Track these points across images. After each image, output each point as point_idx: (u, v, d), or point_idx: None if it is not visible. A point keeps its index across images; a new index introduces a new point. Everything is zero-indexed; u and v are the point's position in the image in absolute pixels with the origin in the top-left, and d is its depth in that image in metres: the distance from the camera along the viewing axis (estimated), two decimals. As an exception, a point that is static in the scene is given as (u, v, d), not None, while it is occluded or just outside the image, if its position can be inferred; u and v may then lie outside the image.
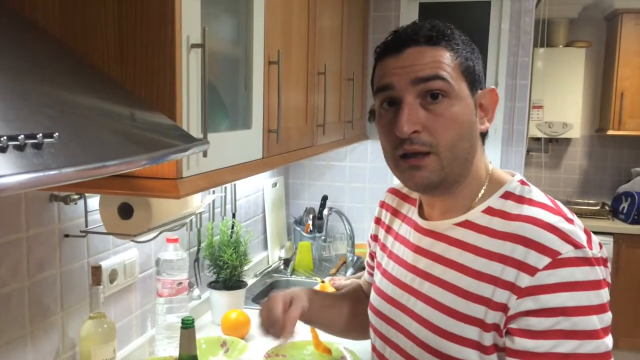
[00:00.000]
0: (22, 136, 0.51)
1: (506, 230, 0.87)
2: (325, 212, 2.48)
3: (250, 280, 2.32)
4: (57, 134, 0.55)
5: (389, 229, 1.11)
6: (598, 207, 4.05)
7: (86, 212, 1.38)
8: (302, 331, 1.51)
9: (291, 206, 2.98)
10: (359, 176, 2.91)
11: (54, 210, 1.31)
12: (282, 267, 2.61)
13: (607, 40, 4.15)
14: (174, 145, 0.79)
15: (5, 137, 0.51)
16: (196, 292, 1.92)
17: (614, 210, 4.00)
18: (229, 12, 1.34)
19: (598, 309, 0.80)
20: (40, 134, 0.53)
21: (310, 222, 2.79)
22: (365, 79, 2.78)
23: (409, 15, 2.81)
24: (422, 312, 0.94)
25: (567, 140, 4.29)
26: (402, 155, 0.90)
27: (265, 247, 2.66)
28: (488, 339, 0.84)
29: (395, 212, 1.12)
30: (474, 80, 0.92)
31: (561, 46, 4.08)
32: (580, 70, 4.02)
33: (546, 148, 4.25)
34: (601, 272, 0.82)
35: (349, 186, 2.93)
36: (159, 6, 1.01)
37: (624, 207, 3.90)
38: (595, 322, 0.80)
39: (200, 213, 1.85)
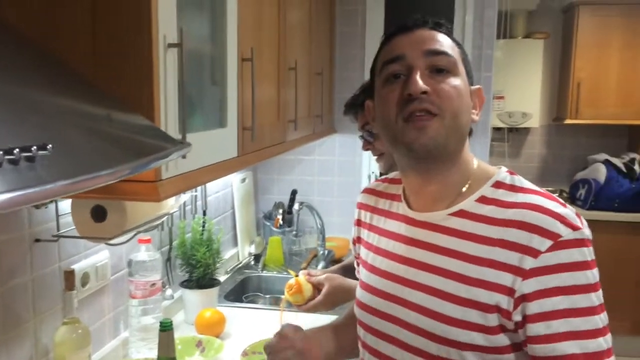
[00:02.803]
0: (17, 150, 0.49)
1: (505, 217, 0.90)
2: (296, 206, 2.48)
3: (221, 278, 2.30)
4: (50, 145, 0.53)
5: (371, 227, 1.12)
6: (556, 195, 4.17)
7: (57, 215, 1.34)
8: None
9: (260, 201, 2.97)
10: (328, 170, 2.92)
11: (24, 215, 1.27)
12: (252, 262, 2.60)
13: (564, 32, 4.25)
14: (163, 148, 0.78)
15: (1, 152, 0.49)
16: (169, 292, 1.90)
17: (571, 197, 4.13)
18: (202, 10, 1.32)
19: (594, 287, 0.85)
20: (35, 147, 0.51)
21: (279, 216, 2.78)
22: (333, 72, 2.78)
23: (375, 8, 2.82)
24: (422, 301, 0.94)
25: (527, 130, 4.40)
26: (408, 119, 0.92)
27: (235, 243, 2.64)
28: (492, 320, 0.87)
29: (374, 210, 1.13)
30: (469, 73, 0.99)
31: (520, 37, 4.17)
32: (539, 61, 4.12)
33: (506, 137, 4.34)
34: (593, 253, 0.87)
35: (318, 180, 2.93)
36: (135, 6, 0.98)
37: (581, 194, 4.02)
38: (594, 299, 0.84)
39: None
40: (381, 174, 1.88)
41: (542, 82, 4.18)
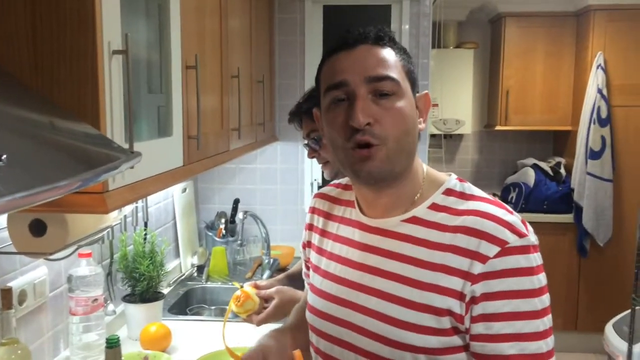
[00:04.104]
0: None
1: (455, 224, 0.92)
2: (241, 216, 2.45)
3: (164, 291, 2.24)
4: (5, 156, 0.50)
5: (324, 232, 1.12)
6: (490, 198, 4.33)
7: (-8, 231, 1.27)
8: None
9: (201, 211, 2.92)
10: (270, 178, 2.91)
11: (-44, 231, 1.20)
12: (195, 274, 2.55)
13: (492, 42, 4.43)
14: (114, 157, 0.75)
15: None
16: (110, 307, 1.83)
17: (503, 200, 4.27)
18: (146, 17, 1.29)
19: (538, 292, 0.88)
20: (-11, 158, 0.48)
21: (222, 226, 2.75)
22: (273, 80, 2.78)
23: (313, 17, 2.84)
24: (377, 306, 0.95)
25: (460, 136, 4.55)
26: (354, 148, 0.93)
27: (177, 254, 2.58)
28: (445, 323, 0.89)
29: (328, 216, 1.13)
30: (414, 82, 0.98)
31: (452, 47, 4.31)
32: (470, 70, 4.27)
33: (442, 144, 4.48)
34: (539, 258, 0.90)
35: (260, 188, 2.92)
36: (78, 12, 0.96)
37: (512, 197, 4.19)
38: (537, 303, 0.87)
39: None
40: (325, 181, 1.89)
41: (473, 90, 4.34)
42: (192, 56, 1.45)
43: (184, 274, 2.50)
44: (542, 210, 3.99)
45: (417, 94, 0.99)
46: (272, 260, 2.55)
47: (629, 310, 3.11)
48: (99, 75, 0.97)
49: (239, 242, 2.67)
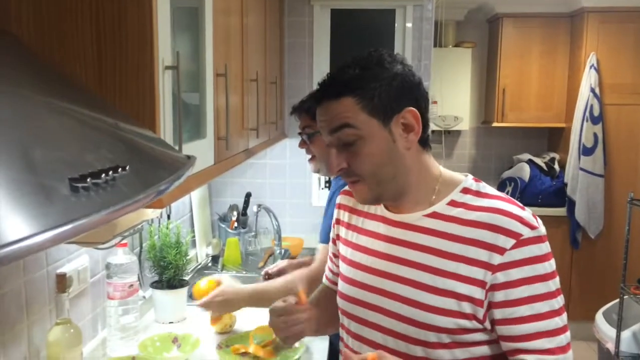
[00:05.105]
0: (103, 174, 0.61)
1: (473, 218, 1.05)
2: (255, 209, 2.61)
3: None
4: (128, 166, 0.65)
5: (349, 225, 1.26)
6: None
7: (49, 222, 1.41)
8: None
9: (214, 204, 3.07)
10: (279, 173, 3.06)
11: (19, 223, 1.34)
12: (210, 264, 2.71)
13: (489, 41, 4.59)
14: (181, 162, 0.90)
15: (89, 178, 0.60)
16: (140, 292, 1.99)
17: (499, 194, 4.45)
18: (187, 32, 1.44)
19: (551, 275, 1.03)
20: (120, 168, 0.63)
21: (234, 218, 2.90)
22: (283, 80, 2.92)
23: (321, 20, 2.99)
24: (403, 292, 1.08)
25: (458, 132, 4.71)
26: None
27: (194, 245, 2.73)
28: (466, 308, 1.03)
29: (352, 210, 1.27)
30: (386, 111, 1.05)
31: (451, 46, 4.47)
32: (468, 68, 4.43)
33: (440, 139, 4.64)
34: (549, 246, 1.05)
35: (269, 182, 3.07)
36: (139, 31, 1.09)
37: (508, 191, 4.36)
38: (551, 285, 1.03)
39: (143, 217, 1.92)
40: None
41: (471, 88, 4.50)
42: (221, 64, 1.60)
43: (200, 264, 2.66)
44: (536, 203, 4.16)
45: (398, 114, 1.05)
46: (283, 251, 2.71)
47: (618, 299, 3.29)
48: (155, 89, 1.12)
49: (253, 233, 2.82)
